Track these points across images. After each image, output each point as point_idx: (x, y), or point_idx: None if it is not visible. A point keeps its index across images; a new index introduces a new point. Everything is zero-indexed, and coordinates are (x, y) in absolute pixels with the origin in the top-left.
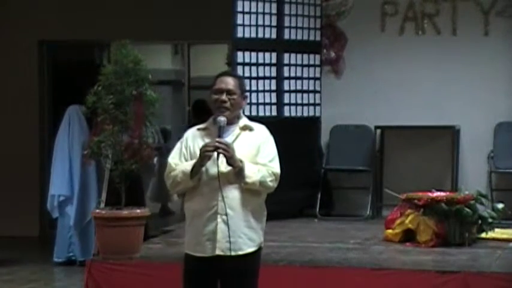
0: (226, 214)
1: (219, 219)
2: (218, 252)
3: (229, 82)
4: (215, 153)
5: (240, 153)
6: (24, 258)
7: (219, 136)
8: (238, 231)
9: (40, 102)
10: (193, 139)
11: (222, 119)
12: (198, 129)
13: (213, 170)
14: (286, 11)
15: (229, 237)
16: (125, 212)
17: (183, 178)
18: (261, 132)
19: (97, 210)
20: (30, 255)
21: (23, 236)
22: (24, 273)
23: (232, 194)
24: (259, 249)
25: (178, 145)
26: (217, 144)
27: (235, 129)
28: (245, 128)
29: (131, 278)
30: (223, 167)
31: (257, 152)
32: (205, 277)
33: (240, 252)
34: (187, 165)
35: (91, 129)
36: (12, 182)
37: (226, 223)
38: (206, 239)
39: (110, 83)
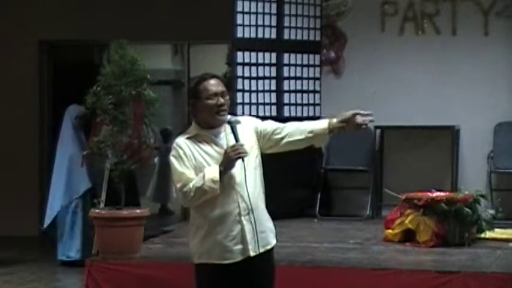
0: (250, 213)
1: (244, 221)
2: (252, 253)
3: (220, 84)
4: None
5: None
6: (24, 258)
7: (235, 137)
8: (262, 226)
9: (40, 102)
10: (189, 148)
11: (233, 118)
12: (188, 138)
13: (233, 172)
14: (286, 11)
15: (256, 235)
16: (125, 212)
17: (212, 186)
18: (248, 121)
19: (97, 210)
20: (30, 255)
21: (23, 236)
22: (24, 273)
23: (254, 190)
24: None
25: (176, 158)
26: (240, 150)
27: (227, 128)
28: (236, 122)
29: (131, 278)
30: (248, 164)
31: (256, 137)
32: (233, 283)
33: (268, 247)
34: (214, 172)
35: (90, 130)
36: (12, 182)
37: (252, 222)
38: (234, 243)
39: (109, 83)
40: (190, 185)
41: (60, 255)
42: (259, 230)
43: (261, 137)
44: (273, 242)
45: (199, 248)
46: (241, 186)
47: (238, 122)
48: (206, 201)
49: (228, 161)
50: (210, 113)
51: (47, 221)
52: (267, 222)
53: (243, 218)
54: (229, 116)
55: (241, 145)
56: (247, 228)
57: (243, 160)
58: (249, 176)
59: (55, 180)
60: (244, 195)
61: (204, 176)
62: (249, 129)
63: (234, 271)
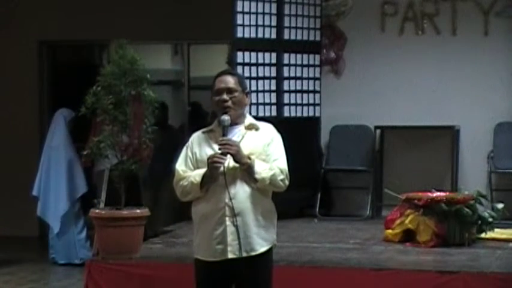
0: (235, 215)
1: (227, 222)
2: (231, 255)
3: (229, 81)
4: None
5: (246, 153)
6: (24, 258)
7: (224, 135)
8: (249, 231)
9: (40, 103)
10: (198, 144)
11: (226, 117)
12: (203, 132)
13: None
14: (286, 11)
15: (239, 238)
16: (125, 212)
17: (192, 188)
18: (267, 132)
19: (97, 210)
20: (30, 255)
21: (23, 236)
22: (24, 273)
23: (241, 194)
24: (272, 247)
25: (184, 151)
26: (220, 143)
27: (241, 129)
28: (251, 127)
29: (131, 278)
30: (230, 165)
31: (263, 152)
32: (219, 282)
33: (253, 253)
34: (197, 176)
35: (89, 130)
36: (12, 181)
37: (236, 225)
38: (216, 242)
39: (109, 83)
40: (180, 182)
41: (61, 259)
42: (244, 235)
43: (264, 155)
44: (260, 249)
45: (194, 242)
46: (233, 187)
47: (228, 123)
48: (197, 198)
49: (209, 168)
50: (216, 109)
51: (56, 225)
52: (255, 229)
53: (227, 219)
54: (249, 117)
55: (225, 141)
56: (230, 230)
57: (235, 160)
58: (233, 180)
59: (55, 183)
60: (235, 196)
61: (189, 177)
62: (261, 138)
63: (219, 270)
